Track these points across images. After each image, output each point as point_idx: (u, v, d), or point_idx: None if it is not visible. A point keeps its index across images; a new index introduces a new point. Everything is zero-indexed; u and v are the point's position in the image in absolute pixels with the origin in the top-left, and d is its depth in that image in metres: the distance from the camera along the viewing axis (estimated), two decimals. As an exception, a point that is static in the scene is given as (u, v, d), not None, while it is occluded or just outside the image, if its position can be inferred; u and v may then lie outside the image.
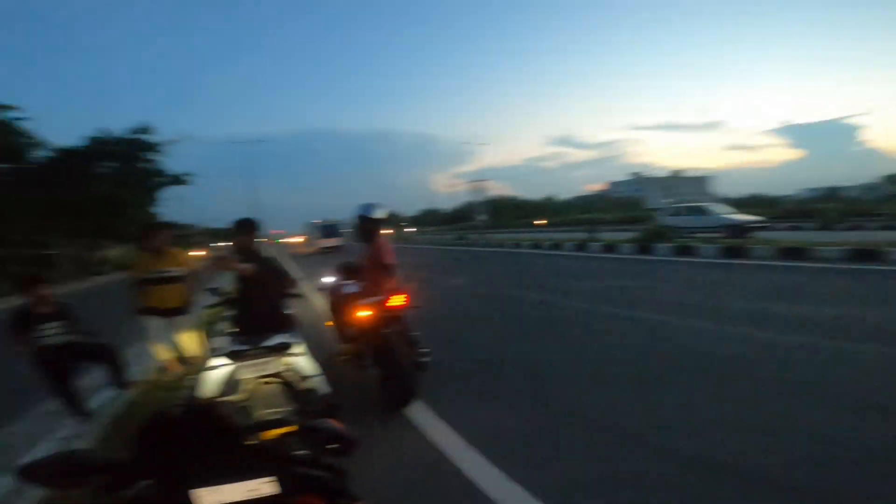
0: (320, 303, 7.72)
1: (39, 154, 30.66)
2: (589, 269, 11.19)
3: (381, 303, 3.76)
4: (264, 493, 0.94)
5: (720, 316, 5.65)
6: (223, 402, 2.97)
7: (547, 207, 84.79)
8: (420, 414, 3.50)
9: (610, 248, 15.07)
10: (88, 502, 2.30)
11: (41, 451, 3.34)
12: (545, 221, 45.62)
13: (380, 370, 3.79)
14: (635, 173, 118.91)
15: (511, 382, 4.08)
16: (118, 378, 4.47)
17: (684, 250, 12.53)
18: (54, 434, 3.71)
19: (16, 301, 4.44)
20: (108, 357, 4.35)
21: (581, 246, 16.43)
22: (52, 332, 3.81)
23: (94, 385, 4.49)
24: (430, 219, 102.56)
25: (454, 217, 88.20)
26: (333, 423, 1.09)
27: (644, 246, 13.87)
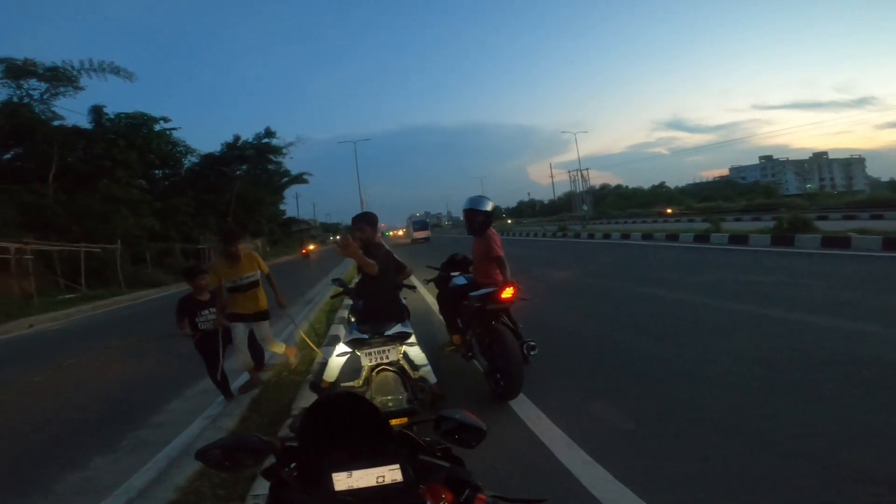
0: (427, 294, 7.93)
1: (190, 160, 35.92)
2: (713, 263, 10.09)
3: (493, 295, 3.73)
4: (390, 481, 0.95)
5: (880, 317, 4.70)
6: (346, 387, 3.14)
7: (657, 196, 78.29)
8: (525, 407, 3.45)
9: (738, 239, 13.38)
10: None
11: (194, 427, 3.83)
12: (670, 210, 40.04)
13: (487, 362, 3.79)
14: (765, 157, 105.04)
15: (621, 380, 3.88)
16: (258, 360, 4.99)
17: (834, 242, 10.66)
18: (205, 412, 4.23)
19: (176, 290, 5.14)
20: (252, 342, 4.88)
21: (702, 237, 14.83)
22: (209, 318, 4.35)
23: (236, 366, 5.05)
24: (528, 210, 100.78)
25: (553, 208, 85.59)
26: (465, 414, 1.09)
27: (782, 237, 12.10)
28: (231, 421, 3.73)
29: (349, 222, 3.73)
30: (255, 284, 4.42)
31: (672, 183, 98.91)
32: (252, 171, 39.65)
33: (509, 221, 65.48)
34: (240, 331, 4.34)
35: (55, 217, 19.69)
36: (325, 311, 8.42)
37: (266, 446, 1.02)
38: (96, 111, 26.88)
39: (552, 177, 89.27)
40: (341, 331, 6.31)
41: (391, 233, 53.77)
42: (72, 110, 37.12)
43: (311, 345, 4.89)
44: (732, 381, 3.59)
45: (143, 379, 5.58)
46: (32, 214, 18.78)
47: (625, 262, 11.98)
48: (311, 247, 38.68)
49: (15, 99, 21.74)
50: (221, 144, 38.09)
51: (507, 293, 3.67)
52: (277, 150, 40.31)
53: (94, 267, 18.30)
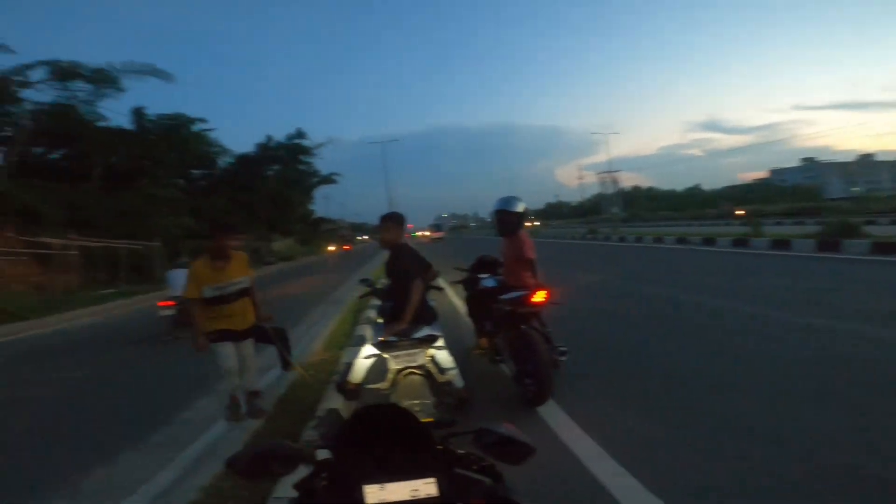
0: (454, 295, 7.81)
1: (224, 161, 36.95)
2: (754, 268, 9.64)
3: (524, 298, 3.61)
4: (425, 495, 0.91)
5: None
6: (371, 389, 3.05)
7: (691, 199, 75.89)
8: (554, 414, 3.36)
9: (781, 243, 12.74)
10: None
11: (221, 425, 3.81)
12: (743, 212, 35.82)
13: (516, 366, 3.69)
14: (807, 158, 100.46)
15: (654, 388, 3.76)
16: (285, 360, 4.97)
17: (885, 248, 9.99)
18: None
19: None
20: (280, 340, 4.86)
21: (742, 241, 14.20)
22: None
23: (262, 365, 5.04)
24: (556, 212, 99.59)
25: (582, 210, 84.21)
26: (509, 427, 1.03)
27: (828, 242, 11.45)
28: (257, 420, 3.70)
29: (377, 222, 3.63)
30: (245, 292, 3.75)
31: (707, 185, 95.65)
32: (283, 172, 40.50)
33: (537, 224, 64.49)
34: (229, 352, 3.67)
35: (97, 215, 20.56)
36: (352, 310, 8.42)
37: (298, 454, 0.98)
38: (137, 112, 27.93)
39: (581, 178, 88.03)
40: (367, 331, 6.26)
41: (419, 233, 56.24)
42: (114, 111, 38.75)
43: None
44: (775, 391, 3.46)
45: (174, 374, 5.67)
46: (76, 212, 19.65)
47: (659, 266, 11.60)
48: (346, 246, 44.94)
49: (62, 100, 22.79)
50: (254, 145, 39.06)
51: (539, 297, 3.54)
52: (308, 151, 41.04)
53: (133, 263, 19.00)
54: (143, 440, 3.68)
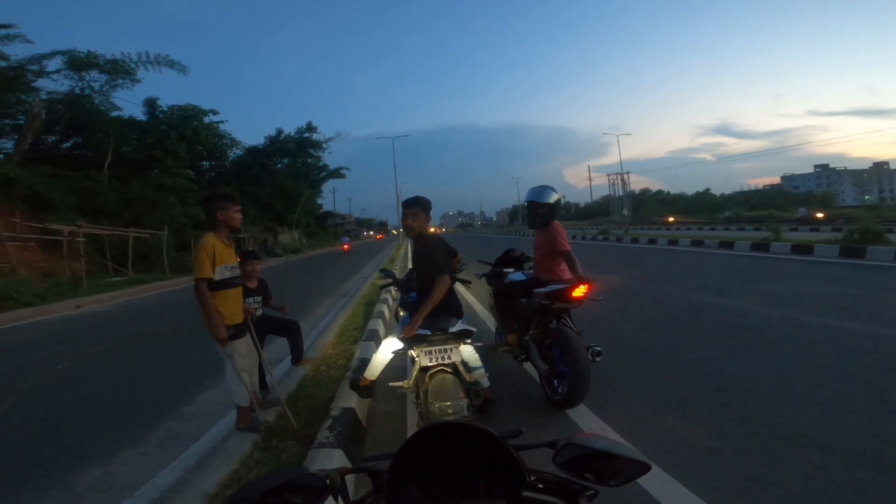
0: (466, 291, 7.55)
1: (235, 153, 36.91)
2: (777, 272, 9.32)
3: (563, 292, 3.35)
4: None
5: None
6: (394, 387, 2.79)
7: (701, 203, 74.97)
8: (585, 418, 3.19)
9: (802, 248, 12.36)
10: None
11: (227, 421, 3.56)
12: (821, 215, 33.49)
13: (547, 365, 3.46)
14: (821, 165, 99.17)
15: (692, 392, 3.54)
16: (296, 353, 4.75)
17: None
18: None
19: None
20: (293, 332, 4.65)
21: (761, 245, 13.82)
22: (255, 305, 4.11)
23: (273, 357, 4.81)
24: (564, 213, 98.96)
25: (590, 212, 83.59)
26: (602, 438, 0.84)
27: (852, 248, 11.11)
28: (265, 415, 3.46)
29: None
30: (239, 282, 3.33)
31: (717, 190, 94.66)
32: (292, 165, 40.42)
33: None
34: (243, 350, 3.26)
35: (108, 203, 20.49)
36: (363, 304, 8.18)
37: (322, 484, 0.81)
38: (150, 103, 27.95)
39: (590, 180, 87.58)
40: (379, 325, 6.02)
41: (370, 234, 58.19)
42: (128, 101, 38.82)
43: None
44: (826, 397, 3.24)
45: (177, 366, 5.45)
46: (87, 199, 19.60)
47: (678, 268, 11.26)
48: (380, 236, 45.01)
49: (77, 90, 22.78)
50: (265, 137, 39.02)
51: (580, 291, 3.28)
52: (317, 145, 40.97)
53: (141, 252, 18.91)
54: (142, 437, 3.45)
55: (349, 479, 0.88)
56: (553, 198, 3.81)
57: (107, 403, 4.36)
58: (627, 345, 4.88)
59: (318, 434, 2.79)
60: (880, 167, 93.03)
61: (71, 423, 3.90)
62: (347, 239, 36.90)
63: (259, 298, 4.21)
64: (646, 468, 0.81)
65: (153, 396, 4.44)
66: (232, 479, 2.50)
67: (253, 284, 4.17)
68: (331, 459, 2.45)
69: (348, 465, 2.27)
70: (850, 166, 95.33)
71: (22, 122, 20.60)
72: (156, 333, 7.18)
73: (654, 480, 2.33)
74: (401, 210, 3.18)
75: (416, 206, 3.04)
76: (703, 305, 6.57)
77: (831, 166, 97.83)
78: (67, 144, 25.11)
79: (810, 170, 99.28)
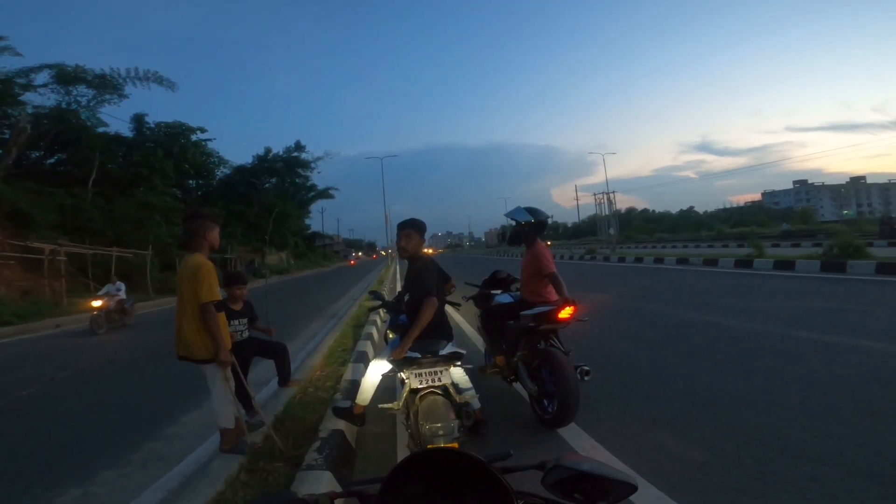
0: (455, 312, 7.52)
1: (223, 172, 36.75)
2: (762, 288, 9.48)
3: (549, 314, 3.37)
4: None
5: None
6: (384, 409, 2.76)
7: (685, 221, 76.32)
8: (576, 436, 3.18)
9: (785, 264, 12.63)
10: None
11: (211, 442, 3.47)
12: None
13: (536, 386, 3.46)
14: (800, 181, 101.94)
15: (683, 408, 3.56)
16: (283, 375, 4.68)
17: (890, 268, 9.93)
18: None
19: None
20: (279, 354, 4.58)
21: (744, 262, 14.08)
22: (241, 328, 4.08)
23: (259, 380, 4.73)
24: (551, 233, 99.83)
25: (577, 231, 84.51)
26: (588, 460, 0.83)
27: (833, 262, 11.38)
28: (251, 436, 3.37)
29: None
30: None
31: (700, 207, 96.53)
32: (280, 185, 40.33)
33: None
34: (229, 371, 3.20)
35: (91, 221, 20.16)
36: (351, 325, 8.10)
37: None
38: (138, 119, 27.81)
39: (577, 199, 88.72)
40: (368, 347, 5.96)
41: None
42: (115, 117, 38.51)
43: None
44: (814, 409, 3.30)
45: (161, 386, 5.32)
46: (70, 217, 19.27)
47: (665, 286, 11.40)
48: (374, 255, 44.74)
49: (64, 105, 22.57)
50: (253, 156, 38.97)
51: (566, 313, 3.30)
52: (306, 165, 41.03)
53: (124, 272, 18.54)
54: (124, 457, 3.35)
55: None
56: (539, 217, 3.86)
57: (87, 423, 4.22)
58: (617, 362, 4.89)
59: (307, 456, 2.74)
60: (857, 182, 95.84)
61: (53, 441, 3.79)
62: (354, 255, 37.20)
63: (245, 320, 4.16)
64: (633, 489, 0.82)
65: (135, 417, 4.32)
66: (218, 502, 2.42)
67: (238, 307, 4.14)
68: (319, 482, 2.40)
69: (337, 487, 2.23)
70: (828, 181, 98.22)
71: (6, 136, 20.32)
72: (143, 351, 7.01)
73: (648, 497, 2.32)
74: (394, 231, 3.20)
75: (411, 228, 3.05)
76: (691, 322, 6.64)
77: (810, 181, 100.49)
78: (52, 160, 24.81)
79: (790, 185, 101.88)
